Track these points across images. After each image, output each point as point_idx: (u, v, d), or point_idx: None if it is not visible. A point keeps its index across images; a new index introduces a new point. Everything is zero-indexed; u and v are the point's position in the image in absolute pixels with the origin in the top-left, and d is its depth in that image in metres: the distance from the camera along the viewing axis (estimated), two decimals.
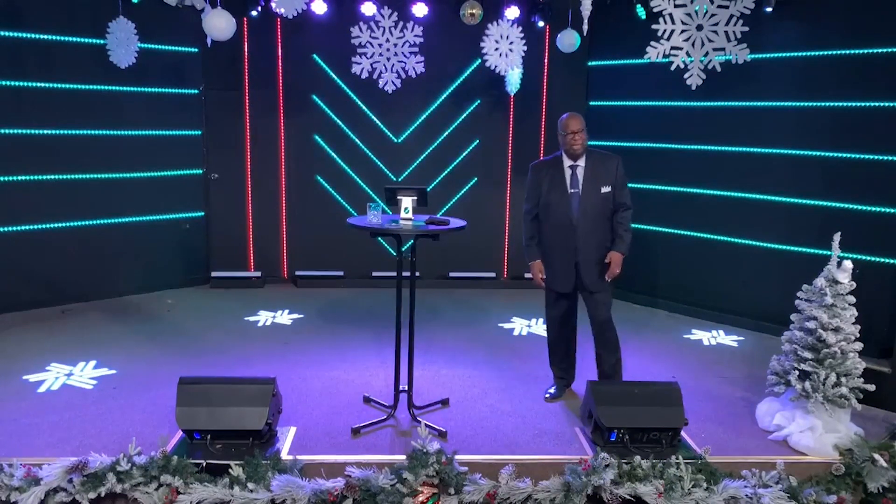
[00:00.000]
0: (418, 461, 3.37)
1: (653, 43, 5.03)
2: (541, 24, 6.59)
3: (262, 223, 7.24)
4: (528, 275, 7.37)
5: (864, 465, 3.58)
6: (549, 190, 4.22)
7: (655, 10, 5.03)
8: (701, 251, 6.39)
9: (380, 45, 6.03)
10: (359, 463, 3.50)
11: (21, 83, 5.86)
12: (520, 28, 5.82)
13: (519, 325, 6.09)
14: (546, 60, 7.14)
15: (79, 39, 6.02)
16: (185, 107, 6.84)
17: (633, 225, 4.27)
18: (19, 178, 5.97)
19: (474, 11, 6.41)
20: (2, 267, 5.95)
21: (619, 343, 4.34)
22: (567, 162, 4.19)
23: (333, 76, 6.98)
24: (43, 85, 5.96)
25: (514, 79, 6.56)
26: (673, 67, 5.13)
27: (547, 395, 4.49)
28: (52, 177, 6.13)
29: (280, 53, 6.97)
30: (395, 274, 4.19)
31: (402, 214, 4.02)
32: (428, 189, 4.13)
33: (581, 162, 4.16)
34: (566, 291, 4.30)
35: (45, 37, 5.91)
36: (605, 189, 4.14)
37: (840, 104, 5.48)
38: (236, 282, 7.15)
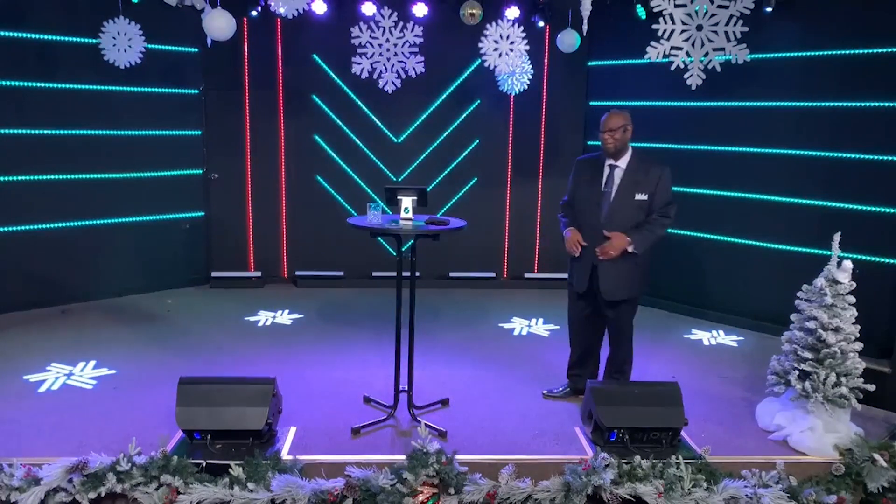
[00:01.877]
0: (418, 461, 3.37)
1: (653, 43, 5.03)
2: (541, 24, 6.58)
3: (262, 223, 7.24)
4: (528, 274, 7.47)
5: (864, 465, 3.58)
6: (584, 186, 4.09)
7: (655, 10, 5.03)
8: (701, 251, 6.40)
9: (380, 46, 6.02)
10: (359, 463, 3.50)
11: (21, 83, 5.86)
12: (521, 28, 5.81)
13: (519, 325, 6.09)
14: (546, 60, 7.14)
15: (79, 40, 6.02)
16: (185, 107, 6.84)
17: None
18: (19, 178, 5.97)
19: (474, 11, 6.41)
20: (2, 267, 5.95)
21: (631, 361, 4.29)
22: (608, 160, 4.03)
23: (333, 76, 6.98)
24: (43, 85, 5.96)
25: (519, 79, 6.51)
26: (673, 67, 5.12)
27: (545, 392, 4.49)
28: (52, 177, 6.13)
29: (280, 53, 6.97)
30: (395, 274, 4.19)
31: (402, 214, 4.02)
32: (428, 189, 4.13)
33: (621, 163, 3.99)
34: (580, 291, 4.18)
35: (46, 37, 5.91)
36: (641, 196, 3.93)
37: (840, 104, 5.49)
38: (236, 282, 7.15)
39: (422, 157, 7.22)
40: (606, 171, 4.03)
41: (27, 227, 6.06)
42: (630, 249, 3.93)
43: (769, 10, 5.43)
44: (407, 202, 4.01)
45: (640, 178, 3.96)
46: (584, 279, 4.12)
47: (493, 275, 7.48)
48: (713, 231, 6.32)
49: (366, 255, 7.09)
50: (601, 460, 3.44)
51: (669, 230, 6.42)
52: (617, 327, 4.20)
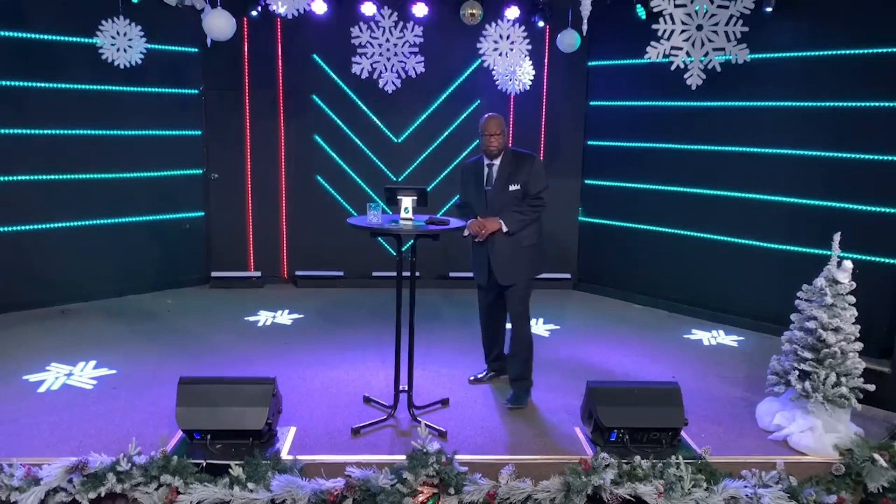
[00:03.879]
0: (418, 461, 3.37)
1: (653, 43, 5.03)
2: (541, 24, 6.58)
3: (262, 223, 7.24)
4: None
5: (864, 465, 3.58)
6: (470, 188, 4.41)
7: (655, 10, 5.02)
8: (701, 251, 6.39)
9: (380, 45, 6.02)
10: (359, 463, 3.50)
11: (21, 83, 5.87)
12: (522, 28, 5.81)
13: None
14: (546, 60, 7.14)
15: (79, 40, 6.02)
16: (185, 107, 6.84)
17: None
18: (19, 178, 5.97)
19: (474, 11, 6.41)
20: (2, 267, 5.95)
21: (532, 344, 4.39)
22: (486, 161, 4.33)
23: (333, 76, 6.98)
24: (44, 85, 5.97)
25: (519, 79, 6.49)
26: (673, 67, 5.12)
27: (471, 378, 4.74)
28: (52, 177, 6.13)
29: (280, 53, 6.97)
30: (395, 274, 4.19)
31: (402, 214, 4.02)
32: (428, 189, 4.14)
33: (497, 161, 4.29)
34: (482, 284, 4.48)
35: (46, 37, 5.92)
36: (514, 187, 4.21)
37: (840, 104, 5.48)
38: (236, 282, 7.15)
39: (422, 157, 7.22)
40: (486, 170, 4.34)
41: (27, 227, 6.06)
42: (504, 229, 4.19)
43: (769, 10, 5.43)
44: (407, 202, 4.01)
45: (512, 171, 4.26)
46: (484, 272, 4.40)
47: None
48: (713, 231, 6.32)
49: (366, 255, 7.09)
50: (601, 460, 3.44)
51: (672, 231, 6.54)
52: (514, 310, 4.37)
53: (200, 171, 7.05)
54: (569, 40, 6.41)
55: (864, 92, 5.34)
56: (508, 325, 4.50)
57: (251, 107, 7.03)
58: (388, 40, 6.02)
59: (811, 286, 3.97)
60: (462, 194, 4.54)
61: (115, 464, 3.32)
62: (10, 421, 3.96)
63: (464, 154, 7.21)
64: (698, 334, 5.99)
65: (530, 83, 6.40)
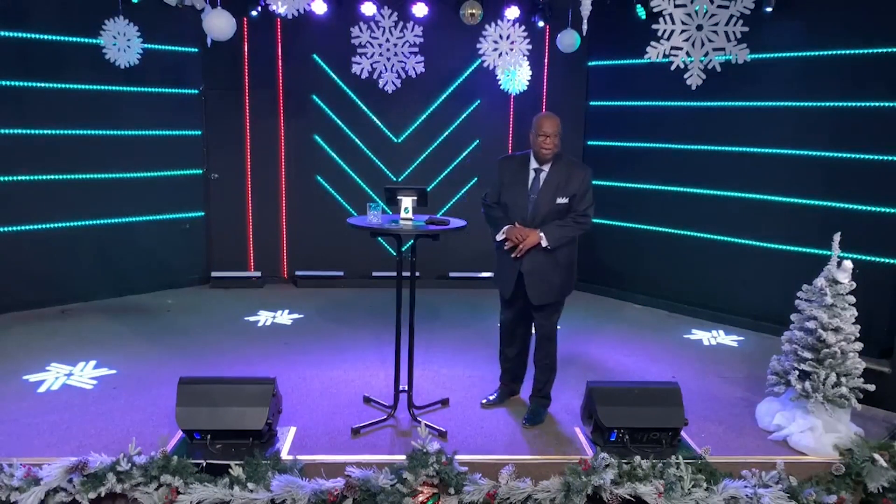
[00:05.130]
0: (418, 461, 3.37)
1: (653, 43, 5.03)
2: (541, 24, 6.58)
3: (262, 223, 7.24)
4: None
5: (864, 465, 3.58)
6: (509, 189, 3.99)
7: (655, 10, 5.03)
8: (701, 251, 6.39)
9: (380, 45, 6.03)
10: (359, 463, 3.50)
11: (21, 83, 5.86)
12: (522, 28, 5.81)
13: None
14: (546, 60, 7.14)
15: (79, 39, 6.02)
16: (185, 107, 6.83)
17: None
18: (19, 178, 5.97)
19: (474, 11, 6.41)
20: (2, 267, 5.95)
21: (556, 364, 4.19)
22: (533, 164, 3.96)
23: (333, 76, 6.98)
24: (43, 85, 5.96)
25: (518, 78, 6.50)
26: (673, 67, 5.13)
27: (484, 401, 4.36)
28: (52, 177, 6.13)
29: (280, 53, 6.96)
30: (395, 274, 4.19)
31: (402, 214, 4.02)
32: (428, 189, 4.13)
33: (546, 168, 3.94)
34: (506, 297, 4.13)
35: (46, 37, 5.91)
36: (561, 200, 3.88)
37: (840, 104, 5.48)
38: (236, 282, 7.15)
39: (422, 157, 7.22)
40: (532, 174, 3.96)
41: (27, 227, 6.06)
42: (543, 244, 3.85)
43: (769, 10, 5.43)
44: (407, 202, 4.01)
45: (561, 183, 3.91)
46: (510, 285, 4.03)
47: (493, 275, 7.46)
48: (713, 231, 6.32)
49: (366, 255, 7.09)
50: (601, 460, 3.44)
51: (672, 231, 6.54)
52: (543, 330, 4.10)
53: (200, 171, 7.05)
54: (568, 40, 6.41)
55: (864, 92, 5.34)
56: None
57: (251, 107, 7.03)
58: (388, 40, 6.02)
59: (811, 286, 3.97)
60: (496, 193, 4.05)
61: (115, 464, 3.32)
62: (10, 421, 3.95)
63: (464, 154, 7.22)
64: (698, 334, 5.99)
65: (528, 84, 6.42)
